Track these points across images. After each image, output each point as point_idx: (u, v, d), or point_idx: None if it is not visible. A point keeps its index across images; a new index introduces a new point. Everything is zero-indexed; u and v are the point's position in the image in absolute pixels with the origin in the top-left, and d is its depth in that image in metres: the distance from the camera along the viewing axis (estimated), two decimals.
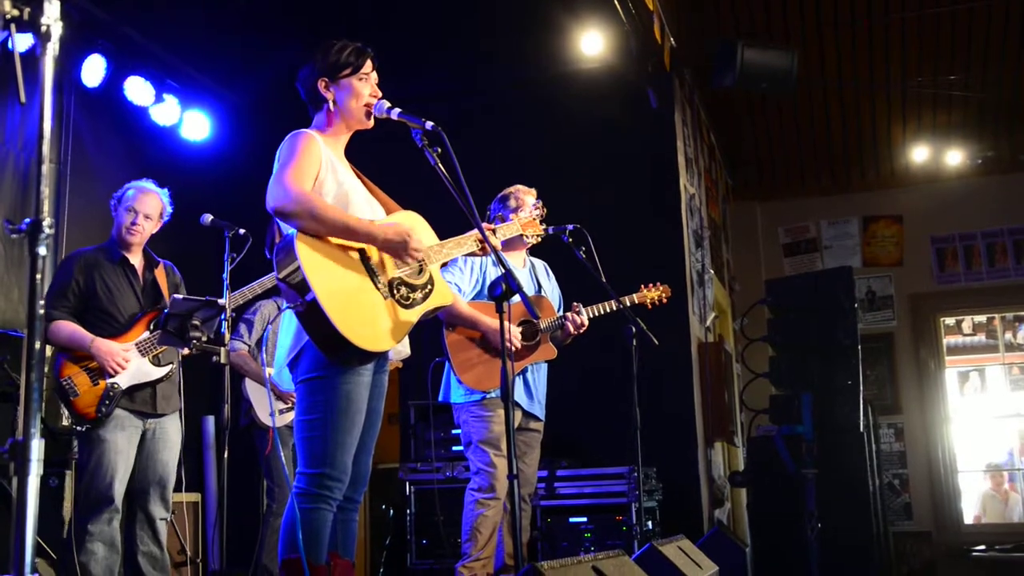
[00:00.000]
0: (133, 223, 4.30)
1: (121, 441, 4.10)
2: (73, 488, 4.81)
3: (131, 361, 4.14)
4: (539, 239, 4.17)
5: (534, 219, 4.05)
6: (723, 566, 4.87)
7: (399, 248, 3.04)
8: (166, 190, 4.48)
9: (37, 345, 1.69)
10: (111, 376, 4.08)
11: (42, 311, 1.70)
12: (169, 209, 4.46)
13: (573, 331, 4.51)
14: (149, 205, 4.33)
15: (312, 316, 2.85)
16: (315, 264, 2.88)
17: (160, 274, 4.43)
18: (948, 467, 8.66)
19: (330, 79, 3.17)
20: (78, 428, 4.11)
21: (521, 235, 3.95)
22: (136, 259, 4.38)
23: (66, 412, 4.15)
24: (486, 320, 4.33)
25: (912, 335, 8.91)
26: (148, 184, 4.41)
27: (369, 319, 2.95)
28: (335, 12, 6.17)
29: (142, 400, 4.19)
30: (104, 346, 4.09)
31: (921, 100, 8.17)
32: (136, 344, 4.19)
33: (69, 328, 4.11)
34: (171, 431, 4.32)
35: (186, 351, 4.15)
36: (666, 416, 6.11)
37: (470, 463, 4.37)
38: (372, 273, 3.03)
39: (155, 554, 4.21)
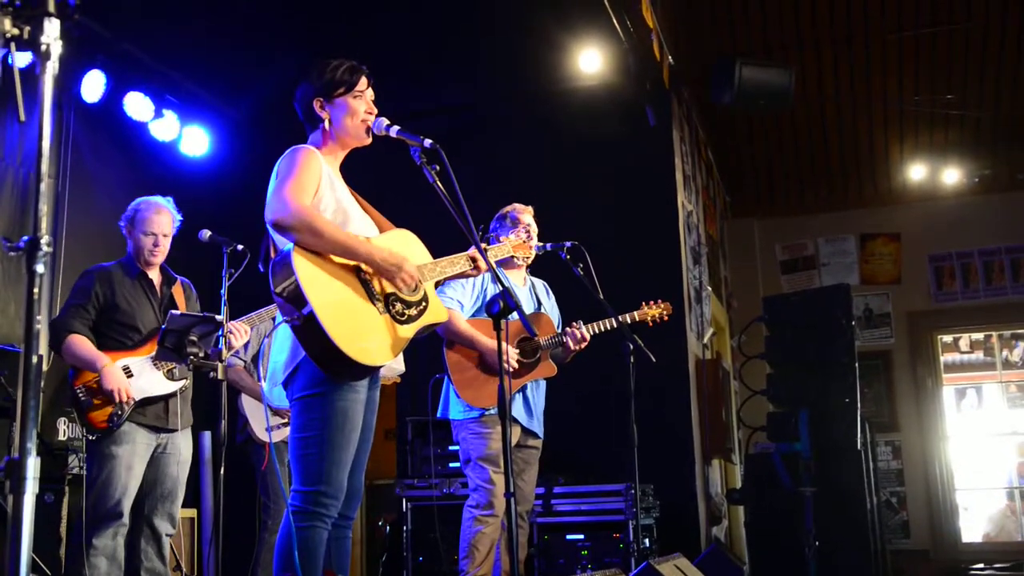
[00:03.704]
0: (155, 245, 4.32)
1: (132, 456, 4.09)
2: (68, 504, 4.79)
3: (143, 376, 4.13)
4: (528, 261, 4.18)
5: (524, 241, 4.04)
6: None
7: (392, 273, 3.05)
8: (170, 198, 4.48)
9: (34, 361, 1.68)
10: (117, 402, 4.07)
11: (39, 327, 1.69)
12: (179, 218, 4.46)
13: (574, 347, 4.51)
14: (165, 224, 4.35)
15: (309, 330, 2.84)
16: (312, 278, 2.87)
17: (178, 291, 4.45)
18: (946, 485, 8.65)
19: (325, 98, 3.17)
20: (89, 437, 4.10)
21: (512, 256, 3.93)
22: (154, 274, 4.41)
23: (78, 420, 4.15)
24: (483, 339, 4.33)
25: (909, 353, 8.92)
26: (157, 200, 4.40)
27: (366, 333, 2.94)
28: (333, 28, 6.19)
29: (153, 414, 4.18)
30: (113, 376, 4.05)
31: (918, 118, 8.20)
32: (151, 357, 4.20)
33: (84, 347, 4.10)
34: (182, 447, 4.32)
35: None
36: (663, 433, 6.09)
37: (468, 480, 4.37)
38: (368, 288, 3.03)
39: (159, 570, 4.20)
